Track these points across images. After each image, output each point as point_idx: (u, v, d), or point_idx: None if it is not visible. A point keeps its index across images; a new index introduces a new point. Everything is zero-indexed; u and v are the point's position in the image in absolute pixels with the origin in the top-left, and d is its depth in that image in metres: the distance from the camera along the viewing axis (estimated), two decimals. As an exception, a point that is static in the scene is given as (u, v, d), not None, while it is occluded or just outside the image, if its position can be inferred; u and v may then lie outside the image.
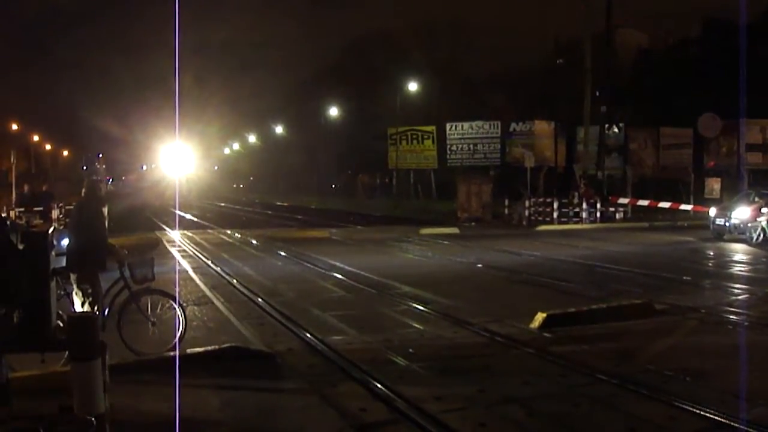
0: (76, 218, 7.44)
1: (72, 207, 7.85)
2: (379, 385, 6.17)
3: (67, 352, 6.36)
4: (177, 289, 9.66)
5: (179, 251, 17.40)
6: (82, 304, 7.02)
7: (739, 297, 10.74)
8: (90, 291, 7.06)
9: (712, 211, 20.82)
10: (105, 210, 7.38)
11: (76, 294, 7.09)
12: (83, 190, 7.60)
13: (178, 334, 7.29)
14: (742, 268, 14.40)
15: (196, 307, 9.92)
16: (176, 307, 7.38)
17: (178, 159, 44.28)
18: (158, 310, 7.40)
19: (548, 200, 27.58)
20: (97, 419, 4.44)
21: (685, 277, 12.55)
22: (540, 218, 26.75)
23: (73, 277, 7.09)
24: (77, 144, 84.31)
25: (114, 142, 74.43)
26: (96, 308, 6.98)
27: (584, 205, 26.54)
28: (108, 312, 7.22)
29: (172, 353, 7.11)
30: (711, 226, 20.49)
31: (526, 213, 26.76)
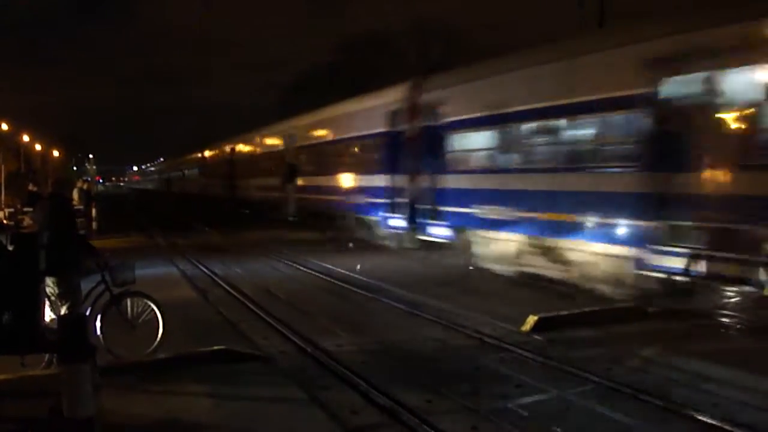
0: (50, 218, 6.98)
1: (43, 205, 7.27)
2: (370, 388, 6.16)
3: (47, 355, 6.32)
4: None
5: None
6: (61, 307, 6.80)
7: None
8: (68, 294, 6.83)
9: None
10: (93, 211, 7.27)
11: (54, 296, 6.85)
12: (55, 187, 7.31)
13: (158, 337, 7.19)
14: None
15: (186, 309, 9.87)
16: (156, 309, 7.24)
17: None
18: (139, 313, 7.26)
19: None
20: (87, 422, 4.43)
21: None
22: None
23: (50, 279, 6.70)
24: (68, 144, 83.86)
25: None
26: (74, 312, 6.77)
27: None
28: (89, 315, 7.03)
29: (163, 355, 7.05)
30: None
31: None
